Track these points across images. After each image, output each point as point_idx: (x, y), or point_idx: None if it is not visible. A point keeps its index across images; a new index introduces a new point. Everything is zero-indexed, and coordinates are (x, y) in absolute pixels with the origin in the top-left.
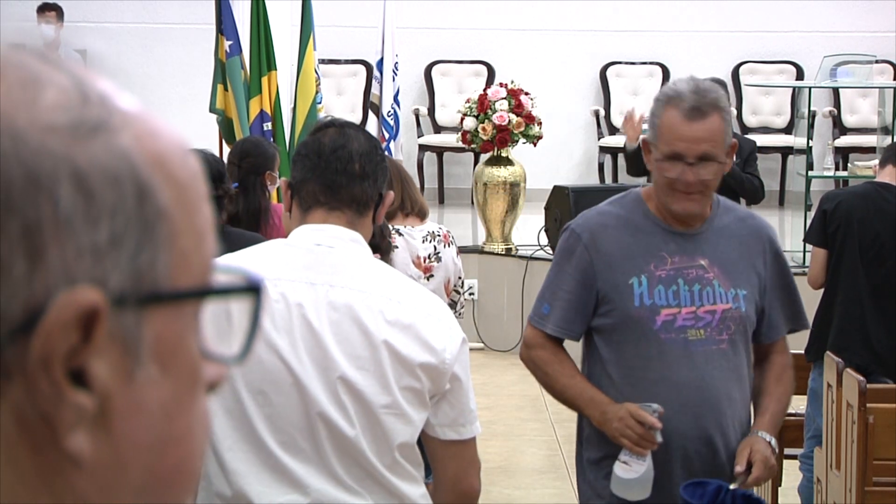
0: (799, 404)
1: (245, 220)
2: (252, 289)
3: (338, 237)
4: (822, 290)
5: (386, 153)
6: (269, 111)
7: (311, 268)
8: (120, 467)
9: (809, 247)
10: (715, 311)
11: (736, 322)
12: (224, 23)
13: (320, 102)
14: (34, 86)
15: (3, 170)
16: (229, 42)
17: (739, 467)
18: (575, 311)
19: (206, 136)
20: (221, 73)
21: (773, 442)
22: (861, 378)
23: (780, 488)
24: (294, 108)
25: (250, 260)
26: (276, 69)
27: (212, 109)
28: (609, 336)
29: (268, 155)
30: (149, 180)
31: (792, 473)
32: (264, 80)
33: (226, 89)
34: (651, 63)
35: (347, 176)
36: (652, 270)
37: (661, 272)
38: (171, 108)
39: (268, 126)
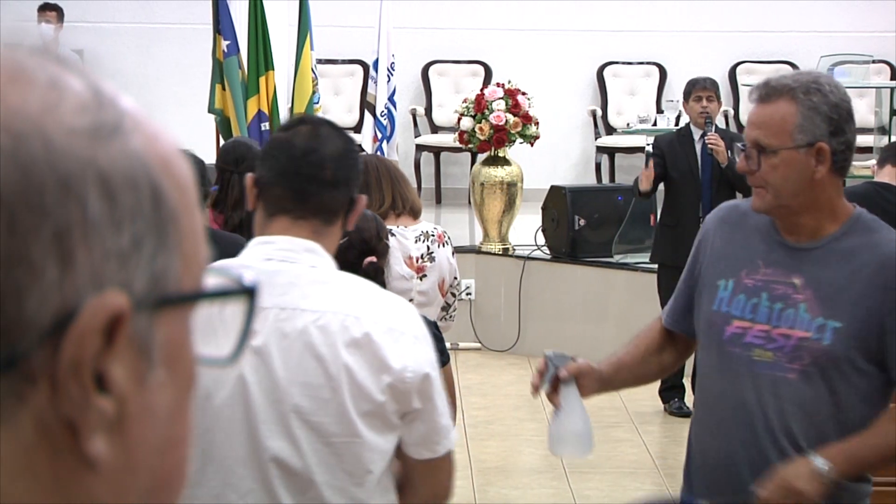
0: None
1: (249, 228)
2: (246, 291)
3: (290, 249)
4: None
5: (379, 153)
6: (266, 111)
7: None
8: (131, 470)
9: None
10: (790, 336)
11: (814, 354)
12: (221, 22)
13: (318, 102)
14: (56, 89)
15: (36, 174)
16: (227, 42)
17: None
18: (682, 304)
19: (204, 136)
20: (219, 72)
21: (825, 467)
22: None
23: None
24: (291, 108)
25: None
26: (273, 69)
27: (210, 109)
28: (699, 336)
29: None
30: (160, 183)
31: None
32: (262, 79)
33: (224, 89)
34: (648, 63)
35: (317, 183)
36: (741, 276)
37: (749, 280)
38: (169, 108)
39: (265, 126)
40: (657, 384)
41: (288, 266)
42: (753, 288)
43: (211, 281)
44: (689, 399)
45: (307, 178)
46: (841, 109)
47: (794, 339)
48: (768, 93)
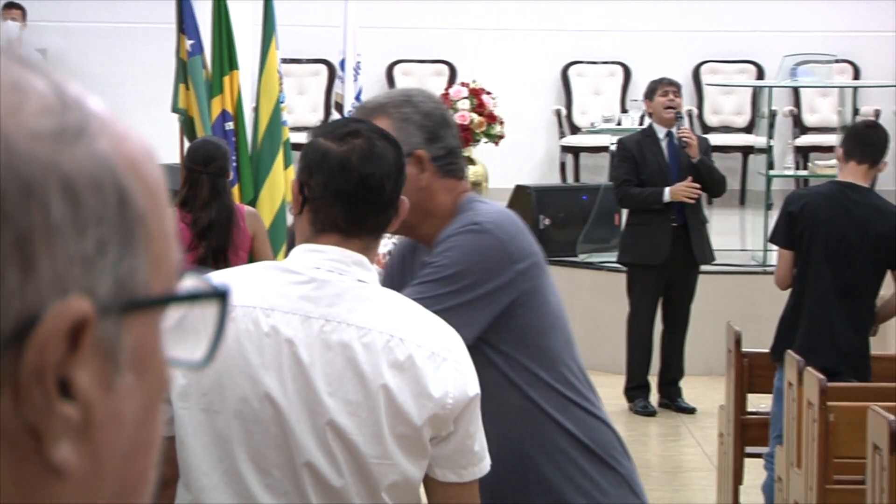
0: (760, 402)
1: (218, 228)
2: (218, 294)
3: (340, 261)
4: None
5: None
6: (230, 111)
7: (308, 299)
8: (98, 477)
9: (771, 246)
10: None
11: None
12: (185, 22)
13: (283, 102)
14: (18, 91)
15: None
16: (191, 41)
17: None
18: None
19: (168, 136)
20: (183, 72)
21: None
22: (822, 376)
23: (741, 486)
24: (256, 108)
25: (242, 285)
26: (237, 69)
27: (174, 109)
28: None
29: (228, 153)
30: (127, 185)
31: (754, 472)
32: (226, 79)
33: (187, 88)
34: (612, 63)
35: (375, 207)
36: None
37: None
38: (133, 108)
39: (230, 126)
40: (623, 383)
41: (337, 277)
42: None
43: (183, 284)
44: (653, 398)
45: (365, 202)
46: (434, 117)
47: None
48: (365, 113)
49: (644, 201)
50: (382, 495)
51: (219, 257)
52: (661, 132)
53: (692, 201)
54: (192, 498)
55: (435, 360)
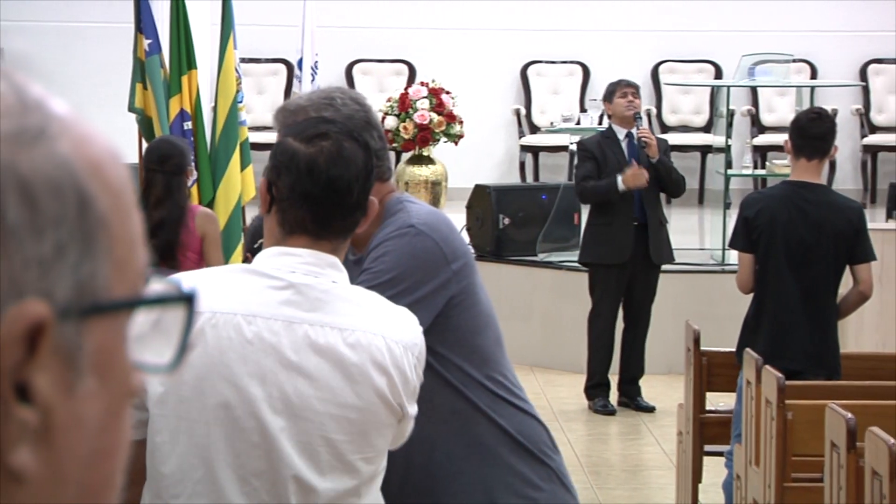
0: (719, 401)
1: (169, 227)
2: (185, 298)
3: (314, 264)
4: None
5: None
6: (189, 110)
7: (289, 304)
8: (59, 482)
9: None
10: None
11: None
12: (143, 21)
13: (241, 101)
14: None
15: None
16: (148, 41)
17: None
18: None
19: (126, 136)
20: (140, 71)
21: None
22: (780, 375)
23: (700, 485)
24: (215, 108)
25: (219, 290)
26: (196, 68)
27: (131, 109)
28: None
29: (185, 152)
30: (88, 188)
31: (713, 470)
32: (184, 79)
33: (145, 88)
34: (571, 62)
35: (343, 209)
36: None
37: None
38: (91, 108)
39: (188, 125)
40: (582, 382)
41: (313, 280)
42: None
43: (150, 287)
44: (613, 397)
45: (333, 204)
46: (356, 119)
47: None
48: (286, 116)
49: (601, 193)
50: (353, 488)
51: (167, 256)
52: (620, 133)
53: (644, 184)
54: None
55: (413, 352)
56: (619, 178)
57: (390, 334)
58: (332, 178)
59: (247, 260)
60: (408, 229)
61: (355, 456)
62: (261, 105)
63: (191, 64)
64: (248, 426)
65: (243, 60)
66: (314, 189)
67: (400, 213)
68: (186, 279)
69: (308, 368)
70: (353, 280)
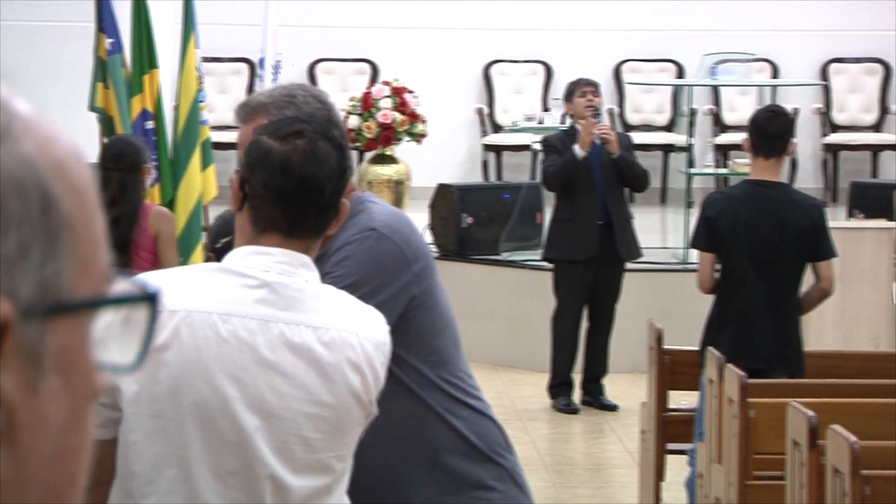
0: (682, 399)
1: (122, 225)
2: (148, 297)
3: (288, 263)
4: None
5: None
6: (151, 109)
7: (264, 302)
8: (22, 483)
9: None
10: None
11: None
12: (104, 20)
13: (203, 100)
14: None
15: None
16: (110, 40)
17: None
18: None
19: (87, 135)
20: (102, 71)
21: None
22: (742, 373)
23: (663, 483)
24: (177, 107)
25: (192, 289)
26: (157, 67)
27: (91, 108)
28: None
29: (141, 149)
30: (52, 188)
31: (675, 468)
32: (146, 78)
33: (106, 87)
34: (534, 61)
35: (315, 208)
36: None
37: None
38: (52, 107)
39: (150, 125)
40: (545, 381)
41: (286, 279)
42: None
43: (114, 287)
44: (576, 396)
45: (306, 202)
46: (317, 118)
47: None
48: (248, 112)
49: (563, 167)
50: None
51: (119, 254)
52: (580, 156)
53: (604, 136)
54: None
55: (383, 350)
56: (576, 147)
57: (363, 332)
58: (305, 176)
59: (209, 259)
60: (369, 233)
61: (329, 454)
62: (223, 104)
63: (152, 63)
64: (223, 425)
65: (205, 60)
66: (287, 187)
67: (361, 215)
68: (159, 278)
69: (284, 367)
70: None
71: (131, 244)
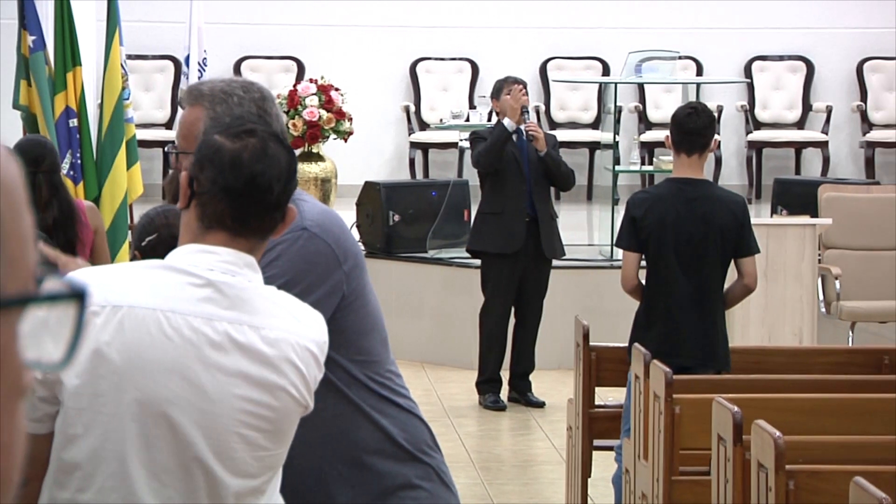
0: (608, 395)
1: (63, 224)
2: (76, 295)
3: (232, 263)
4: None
5: None
6: (74, 107)
7: (209, 301)
8: None
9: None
10: None
11: None
12: (27, 18)
13: (128, 98)
14: None
15: None
16: (33, 37)
17: None
18: None
19: (11, 133)
20: (25, 68)
21: None
22: (667, 369)
23: (590, 479)
24: (101, 104)
25: (136, 286)
26: (80, 65)
27: (15, 105)
28: None
29: (54, 148)
30: None
31: (602, 464)
32: (69, 75)
33: (29, 85)
34: (460, 59)
35: (262, 207)
36: None
37: None
38: None
39: (74, 122)
40: (473, 378)
41: (230, 279)
42: None
43: (43, 285)
44: (504, 393)
45: (253, 200)
46: (251, 116)
47: None
48: (190, 98)
49: (494, 141)
50: (260, 484)
51: (68, 254)
52: (511, 127)
53: (532, 133)
54: (70, 497)
55: (322, 350)
56: (507, 120)
57: (304, 332)
58: (254, 173)
59: (134, 257)
60: (300, 232)
61: (267, 452)
62: (148, 102)
63: (76, 61)
64: (162, 422)
65: (130, 57)
66: (236, 183)
67: None
68: (103, 274)
69: (226, 366)
70: None
71: (78, 243)
